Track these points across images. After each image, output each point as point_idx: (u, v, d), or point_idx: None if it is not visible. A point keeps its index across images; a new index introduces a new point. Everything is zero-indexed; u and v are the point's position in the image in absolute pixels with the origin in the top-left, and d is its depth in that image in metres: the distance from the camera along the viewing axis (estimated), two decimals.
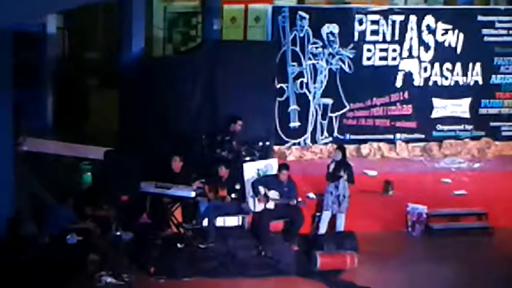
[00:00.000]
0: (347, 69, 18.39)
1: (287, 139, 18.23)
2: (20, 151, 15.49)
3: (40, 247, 13.43)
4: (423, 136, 19.08)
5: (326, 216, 15.16)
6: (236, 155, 16.07)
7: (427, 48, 18.78)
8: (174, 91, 16.54)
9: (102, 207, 14.60)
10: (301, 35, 18.06)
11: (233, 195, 14.82)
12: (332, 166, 15.15)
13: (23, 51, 18.57)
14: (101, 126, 19.09)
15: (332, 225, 15.25)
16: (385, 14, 18.51)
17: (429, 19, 18.67)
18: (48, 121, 19.88)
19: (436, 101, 19.04)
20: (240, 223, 15.45)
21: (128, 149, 15.97)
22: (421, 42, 18.71)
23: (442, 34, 18.79)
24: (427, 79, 18.92)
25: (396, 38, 18.61)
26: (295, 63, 18.11)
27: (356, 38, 18.40)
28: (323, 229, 15.16)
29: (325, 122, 18.46)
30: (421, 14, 18.67)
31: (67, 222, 13.96)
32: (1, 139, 13.62)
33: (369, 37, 18.48)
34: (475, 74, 19.08)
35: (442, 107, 19.10)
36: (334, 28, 18.21)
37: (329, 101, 18.42)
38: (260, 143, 16.56)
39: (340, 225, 15.13)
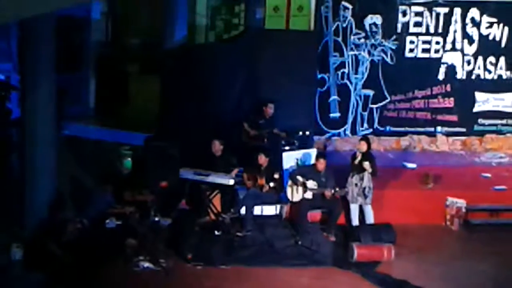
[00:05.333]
0: (389, 61, 18.32)
1: (327, 130, 18.21)
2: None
3: (80, 231, 13.57)
4: (464, 129, 18.96)
5: (354, 208, 15.05)
6: (275, 144, 16.08)
7: (471, 41, 18.64)
8: (215, 79, 16.58)
9: (142, 193, 14.69)
10: (344, 25, 18.03)
11: (271, 184, 14.82)
12: (358, 158, 15.00)
13: (68, 36, 18.76)
14: (142, 112, 19.21)
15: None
16: (429, 6, 18.38)
17: (473, 12, 18.53)
18: (90, 106, 20.08)
19: (478, 95, 18.90)
20: (278, 212, 15.46)
21: (169, 136, 16.05)
22: (465, 35, 18.57)
23: (487, 27, 18.63)
24: (470, 73, 18.79)
25: (440, 30, 18.50)
26: (337, 54, 18.09)
27: (399, 29, 18.33)
28: (355, 221, 15.09)
29: (366, 114, 18.42)
30: (465, 7, 18.51)
31: (107, 206, 14.06)
32: (44, 124, 13.76)
33: (412, 29, 18.39)
34: None
35: (484, 101, 18.95)
36: (377, 19, 18.15)
37: (370, 92, 18.38)
38: (300, 133, 16.55)
39: (369, 217, 14.99)
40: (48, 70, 13.71)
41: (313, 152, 15.98)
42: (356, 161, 14.98)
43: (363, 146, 15.07)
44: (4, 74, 18.28)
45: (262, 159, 15.01)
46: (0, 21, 8.61)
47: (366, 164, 14.79)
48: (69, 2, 10.45)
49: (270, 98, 16.36)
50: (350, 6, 17.97)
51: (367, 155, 15.04)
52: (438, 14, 18.41)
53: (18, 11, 8.58)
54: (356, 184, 14.94)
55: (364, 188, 14.91)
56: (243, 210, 14.87)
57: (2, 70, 18.36)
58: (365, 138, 15.63)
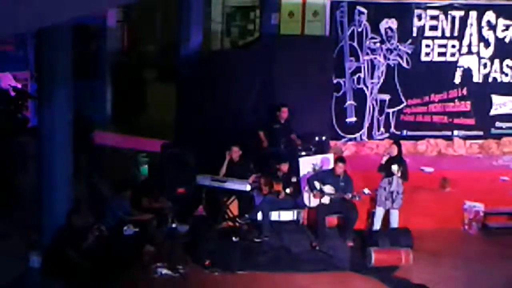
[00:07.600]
0: (405, 65, 18.30)
1: (343, 135, 18.20)
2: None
3: (98, 238, 13.60)
4: (481, 133, 18.90)
5: (379, 212, 15.03)
6: (292, 150, 16.08)
7: (487, 44, 18.58)
8: (231, 85, 16.62)
9: (159, 199, 14.73)
10: (359, 30, 18.01)
11: (287, 190, 14.82)
12: (384, 161, 14.99)
13: (84, 44, 18.86)
14: (159, 119, 19.28)
15: (385, 222, 15.14)
16: (444, 9, 18.35)
17: (489, 15, 18.47)
18: (107, 114, 20.16)
19: (495, 98, 18.83)
20: (295, 217, 15.46)
21: (185, 142, 16.09)
22: (481, 38, 18.52)
23: (503, 30, 18.58)
24: (486, 76, 18.73)
25: (456, 33, 18.45)
26: (352, 58, 18.08)
27: (414, 33, 18.30)
28: (377, 225, 15.09)
29: (382, 118, 18.39)
30: (481, 10, 18.46)
31: (124, 213, 14.10)
32: (61, 131, 13.81)
33: (428, 33, 18.36)
34: None
35: (501, 104, 18.88)
36: (393, 23, 18.13)
37: (386, 96, 18.35)
38: (316, 138, 16.54)
39: (394, 222, 15.00)
40: (65, 78, 13.75)
41: (329, 157, 15.97)
42: (383, 161, 14.93)
43: (394, 150, 15.01)
44: (21, 83, 18.38)
45: (286, 167, 15.01)
46: (16, 30, 8.65)
47: (394, 168, 14.74)
48: (86, 10, 10.48)
49: (283, 103, 16.35)
50: (365, 11, 17.96)
51: (397, 159, 14.96)
52: (453, 18, 18.37)
53: (35, 21, 8.62)
54: (384, 188, 14.90)
55: (392, 192, 14.87)
56: (260, 216, 14.88)
57: (19, 78, 18.46)
58: (396, 142, 15.55)
